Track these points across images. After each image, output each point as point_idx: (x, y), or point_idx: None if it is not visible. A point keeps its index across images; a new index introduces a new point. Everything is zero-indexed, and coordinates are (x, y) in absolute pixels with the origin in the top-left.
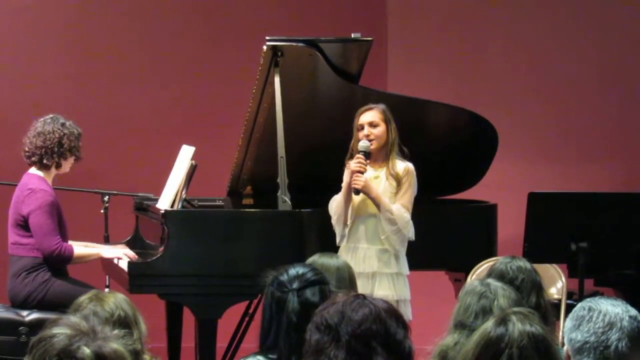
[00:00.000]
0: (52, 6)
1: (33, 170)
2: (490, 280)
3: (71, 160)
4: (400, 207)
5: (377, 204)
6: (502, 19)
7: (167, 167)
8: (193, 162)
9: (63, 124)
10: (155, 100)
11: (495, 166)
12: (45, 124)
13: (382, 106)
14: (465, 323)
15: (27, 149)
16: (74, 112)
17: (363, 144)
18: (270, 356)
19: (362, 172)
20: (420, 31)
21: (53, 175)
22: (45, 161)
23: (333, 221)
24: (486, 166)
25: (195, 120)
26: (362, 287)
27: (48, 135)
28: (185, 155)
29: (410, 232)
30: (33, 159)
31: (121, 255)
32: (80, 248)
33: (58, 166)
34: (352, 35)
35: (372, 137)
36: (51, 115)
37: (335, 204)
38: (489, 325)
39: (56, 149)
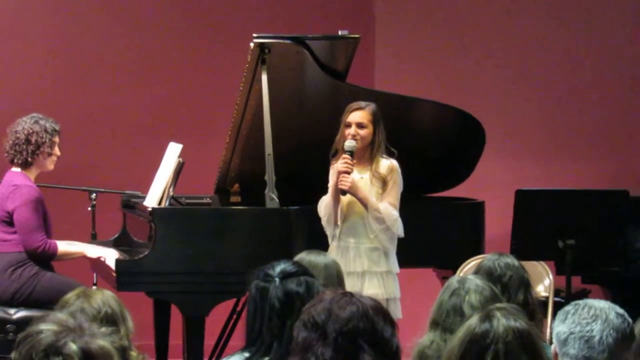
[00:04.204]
0: (40, 4)
1: (15, 168)
2: (469, 277)
3: (45, 156)
4: (388, 205)
5: (365, 204)
6: (490, 16)
7: (155, 165)
8: (180, 159)
9: (36, 122)
10: (143, 97)
11: (483, 163)
12: (19, 123)
13: (372, 107)
14: (438, 321)
15: (4, 148)
16: (61, 109)
17: (349, 144)
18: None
19: (348, 173)
20: (408, 28)
21: (36, 173)
22: (16, 160)
23: (323, 222)
24: (474, 163)
25: (183, 118)
26: (352, 286)
27: (17, 134)
28: (173, 152)
29: (399, 230)
30: (8, 158)
31: (105, 255)
32: (64, 245)
33: (28, 164)
34: (340, 33)
35: (357, 137)
36: (31, 115)
37: (324, 205)
38: (473, 322)
39: (24, 147)
